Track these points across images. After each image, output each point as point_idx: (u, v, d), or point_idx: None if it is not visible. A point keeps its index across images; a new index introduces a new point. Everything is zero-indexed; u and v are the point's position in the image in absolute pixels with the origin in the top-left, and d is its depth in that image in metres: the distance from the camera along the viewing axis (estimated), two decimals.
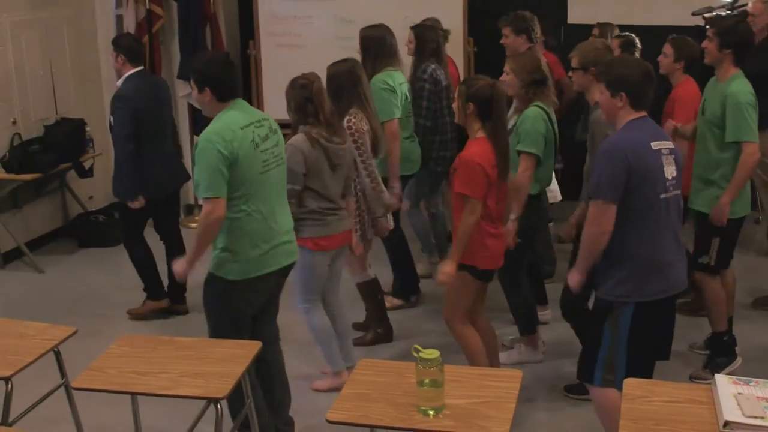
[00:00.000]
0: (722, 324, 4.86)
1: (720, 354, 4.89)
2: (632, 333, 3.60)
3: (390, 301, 5.83)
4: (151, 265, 5.85)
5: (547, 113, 4.75)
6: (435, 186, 6.30)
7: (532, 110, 4.69)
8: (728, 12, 5.74)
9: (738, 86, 4.57)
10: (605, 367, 3.65)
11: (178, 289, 5.94)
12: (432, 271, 6.36)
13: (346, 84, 4.83)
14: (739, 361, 4.86)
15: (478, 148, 4.17)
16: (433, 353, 2.97)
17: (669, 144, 3.62)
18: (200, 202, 3.97)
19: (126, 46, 5.60)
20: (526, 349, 5.15)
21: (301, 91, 4.37)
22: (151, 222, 5.90)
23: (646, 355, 3.69)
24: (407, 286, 6.00)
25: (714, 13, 5.75)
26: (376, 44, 5.55)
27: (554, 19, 7.00)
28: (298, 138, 4.35)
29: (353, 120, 4.78)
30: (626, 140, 3.52)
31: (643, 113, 3.60)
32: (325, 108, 4.41)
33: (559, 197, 5.89)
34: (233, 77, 3.99)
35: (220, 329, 3.98)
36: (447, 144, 6.04)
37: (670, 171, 3.55)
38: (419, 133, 5.89)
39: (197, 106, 7.31)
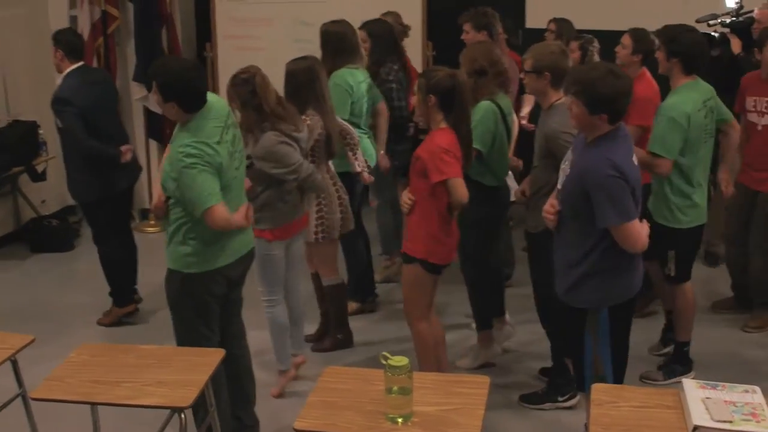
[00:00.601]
0: (687, 334, 4.91)
1: (679, 362, 4.94)
2: (612, 334, 3.66)
3: (348, 304, 5.78)
4: (121, 268, 5.73)
5: (500, 107, 4.72)
6: (395, 176, 6.29)
7: (482, 104, 4.64)
8: (733, 19, 5.75)
9: (675, 99, 4.55)
10: (593, 373, 3.69)
11: (129, 284, 5.89)
12: (391, 275, 6.35)
13: (303, 82, 4.79)
14: (692, 375, 4.88)
15: (443, 137, 4.14)
16: (401, 360, 2.95)
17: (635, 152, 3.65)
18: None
19: (65, 41, 5.48)
20: (481, 348, 5.13)
21: (244, 86, 4.33)
22: None
23: (623, 352, 3.75)
24: (364, 287, 5.95)
25: (719, 20, 5.75)
26: (337, 40, 5.50)
27: (513, 22, 6.99)
28: (272, 137, 4.31)
29: (308, 122, 4.75)
30: (617, 160, 3.47)
31: (620, 124, 3.58)
32: (269, 99, 4.36)
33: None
34: (202, 86, 3.83)
35: (187, 323, 3.95)
36: (400, 138, 6.06)
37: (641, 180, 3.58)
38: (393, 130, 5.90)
39: (153, 109, 7.34)
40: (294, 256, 4.75)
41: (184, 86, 3.73)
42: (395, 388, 2.95)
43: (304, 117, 4.72)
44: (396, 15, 6.49)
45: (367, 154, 5.65)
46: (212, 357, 3.52)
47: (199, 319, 3.95)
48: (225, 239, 3.91)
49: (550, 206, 3.73)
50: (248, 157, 4.37)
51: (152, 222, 7.66)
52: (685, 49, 4.56)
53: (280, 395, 4.82)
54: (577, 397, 4.57)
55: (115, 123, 5.73)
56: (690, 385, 3.03)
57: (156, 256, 6.06)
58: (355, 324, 5.55)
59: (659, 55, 4.65)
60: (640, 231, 3.53)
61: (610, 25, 7.00)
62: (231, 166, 3.84)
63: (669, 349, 5.12)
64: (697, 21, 5.85)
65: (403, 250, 4.38)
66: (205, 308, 3.96)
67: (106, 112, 5.57)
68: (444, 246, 4.29)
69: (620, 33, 6.09)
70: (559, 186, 3.74)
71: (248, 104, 4.31)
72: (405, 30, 6.43)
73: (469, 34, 5.80)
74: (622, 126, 3.59)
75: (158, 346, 3.72)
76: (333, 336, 5.38)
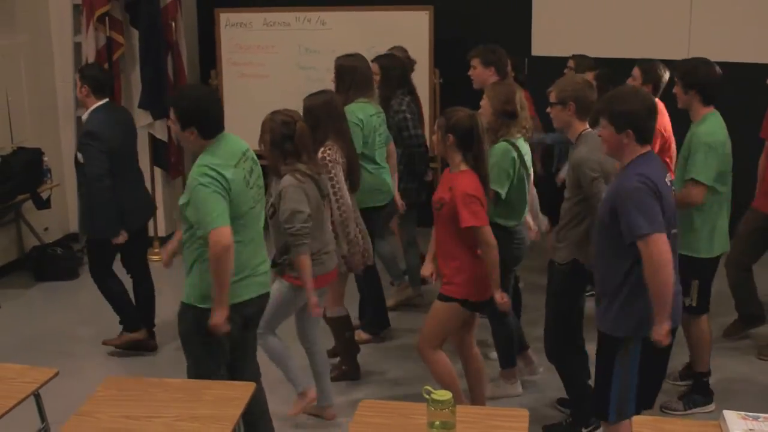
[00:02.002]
0: (704, 365, 4.90)
1: (699, 392, 4.92)
2: (642, 365, 3.64)
3: (358, 335, 5.74)
4: (125, 296, 5.68)
5: (516, 148, 4.72)
6: (410, 216, 6.27)
7: (500, 145, 4.66)
8: None
9: (706, 126, 4.56)
10: (619, 402, 3.66)
11: (147, 322, 5.83)
12: (401, 300, 6.33)
13: (322, 117, 4.78)
14: (713, 407, 4.87)
15: (468, 180, 4.17)
16: (445, 395, 2.92)
17: (671, 176, 3.65)
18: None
19: (91, 77, 5.46)
20: (504, 383, 5.11)
21: (282, 128, 4.30)
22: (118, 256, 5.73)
23: (653, 385, 3.72)
24: (377, 320, 5.92)
25: None
26: (352, 74, 5.49)
27: (518, 51, 7.01)
28: (290, 179, 4.27)
29: (328, 151, 4.73)
30: (650, 173, 3.50)
31: (649, 147, 3.60)
32: (307, 148, 4.36)
33: (535, 229, 5.86)
34: (219, 113, 3.90)
35: (201, 360, 3.93)
36: (412, 176, 6.05)
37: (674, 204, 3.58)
38: (411, 161, 5.91)
39: (159, 136, 7.31)
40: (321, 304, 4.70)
41: (204, 111, 3.79)
42: (437, 422, 2.93)
43: (324, 148, 4.70)
44: (403, 49, 6.51)
45: (382, 189, 5.63)
46: (243, 391, 3.47)
47: (207, 354, 3.93)
48: (244, 275, 3.90)
49: None
50: (271, 206, 4.36)
51: (157, 250, 7.59)
52: (701, 80, 4.58)
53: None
54: (601, 429, 4.54)
55: (135, 161, 5.72)
56: (731, 416, 3.02)
57: (161, 285, 6.08)
58: (365, 352, 5.51)
59: (677, 89, 4.65)
60: (666, 248, 3.47)
61: (617, 53, 7.09)
62: (248, 196, 3.84)
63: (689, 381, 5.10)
64: None
65: (442, 291, 4.35)
66: (216, 345, 3.93)
67: (128, 150, 5.58)
68: (482, 283, 4.29)
69: (627, 60, 6.17)
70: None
71: (278, 146, 4.30)
72: (412, 64, 6.45)
73: (477, 70, 5.79)
74: (652, 152, 3.61)
75: (185, 379, 3.67)
76: (339, 367, 5.33)
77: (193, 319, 3.90)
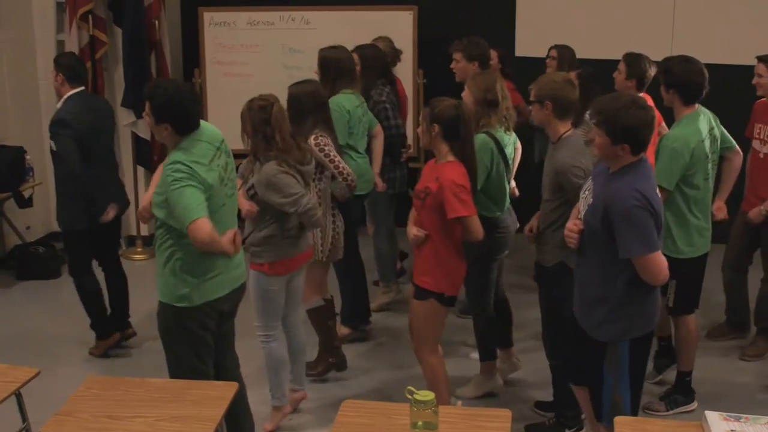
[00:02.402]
0: (689, 364, 4.92)
1: (681, 392, 4.94)
2: (631, 367, 3.65)
3: (339, 329, 5.74)
4: (100, 299, 5.63)
5: (495, 139, 4.70)
6: (390, 207, 6.28)
7: (479, 137, 4.61)
8: None
9: (678, 131, 4.56)
10: (612, 405, 3.68)
11: (121, 314, 5.81)
12: (388, 303, 6.32)
13: (308, 106, 4.79)
14: (695, 405, 4.91)
15: (455, 171, 4.14)
16: (427, 395, 2.92)
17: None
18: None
19: (66, 65, 5.42)
20: (483, 378, 5.11)
21: (259, 113, 4.28)
22: None
23: (640, 383, 3.76)
24: (358, 313, 5.89)
25: None
26: (336, 65, 5.51)
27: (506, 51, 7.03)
28: (274, 166, 4.26)
29: (320, 137, 4.75)
30: (643, 190, 3.47)
31: (643, 155, 3.59)
32: (283, 130, 4.31)
33: (517, 224, 5.87)
34: (196, 109, 3.85)
35: (181, 357, 3.91)
36: (395, 165, 6.04)
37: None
38: (390, 151, 5.91)
39: (142, 135, 7.28)
40: (294, 291, 4.69)
41: (179, 108, 3.74)
42: (420, 423, 2.93)
43: (315, 134, 4.70)
44: (388, 40, 6.53)
45: (366, 177, 5.65)
46: (226, 391, 3.47)
47: (193, 353, 3.91)
48: (217, 272, 3.88)
49: (573, 225, 3.72)
50: (252, 187, 4.34)
51: (139, 249, 7.58)
52: (680, 79, 4.55)
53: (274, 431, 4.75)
54: (586, 428, 4.56)
55: (109, 152, 5.66)
56: (713, 417, 3.04)
57: (143, 285, 6.06)
58: (348, 353, 5.49)
59: (662, 88, 4.66)
60: (663, 262, 3.54)
61: (601, 53, 7.10)
62: (221, 192, 3.82)
63: (663, 376, 5.14)
64: None
65: (417, 283, 4.34)
66: (199, 342, 3.92)
67: (102, 139, 5.50)
68: (457, 277, 4.29)
69: (611, 61, 6.18)
70: (580, 215, 3.73)
71: (259, 131, 4.26)
72: (397, 54, 6.45)
73: (460, 63, 5.81)
74: (645, 158, 3.60)
75: (167, 379, 3.66)
76: (325, 360, 5.30)
77: (173, 317, 3.88)
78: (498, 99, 4.70)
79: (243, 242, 4.29)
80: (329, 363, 5.32)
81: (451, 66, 5.89)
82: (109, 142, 5.65)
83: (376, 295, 6.34)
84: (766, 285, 5.55)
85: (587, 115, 4.61)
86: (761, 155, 5.39)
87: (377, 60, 5.97)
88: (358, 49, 5.98)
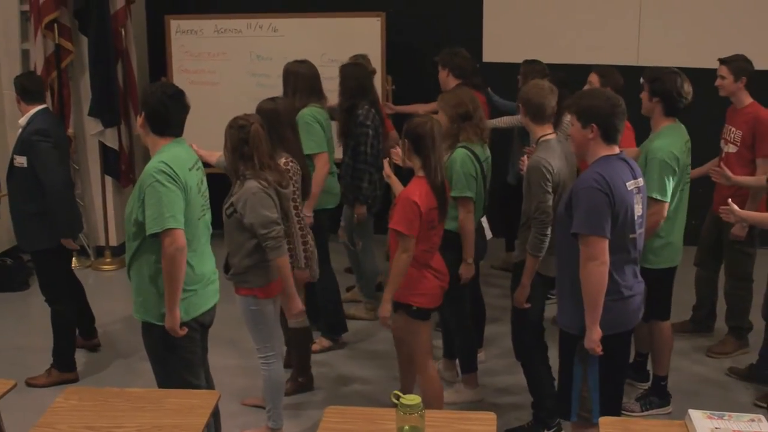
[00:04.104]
0: (664, 369, 4.97)
1: (656, 394, 4.99)
2: (601, 366, 3.66)
3: (319, 342, 5.73)
4: (72, 331, 5.47)
5: (473, 152, 4.75)
6: (368, 222, 6.26)
7: (458, 152, 4.69)
8: None
9: (663, 141, 4.57)
10: (580, 403, 3.70)
11: (87, 323, 5.77)
12: (357, 316, 6.32)
13: (275, 123, 4.74)
14: (670, 409, 4.95)
15: (417, 187, 4.17)
16: (414, 399, 2.92)
17: (639, 182, 3.68)
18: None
19: (18, 85, 5.32)
20: (465, 388, 5.12)
21: (239, 132, 4.27)
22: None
23: (615, 387, 3.77)
24: (336, 325, 5.89)
25: None
26: (303, 79, 5.51)
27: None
28: (254, 185, 4.23)
29: (291, 163, 4.71)
30: (607, 176, 3.54)
31: (616, 149, 3.64)
32: (261, 151, 4.30)
33: (490, 234, 5.91)
34: (176, 114, 3.82)
35: (174, 375, 3.88)
36: (377, 183, 6.03)
37: (638, 209, 3.61)
38: (348, 174, 5.87)
39: (109, 144, 7.22)
40: (277, 311, 4.66)
41: (155, 102, 3.76)
42: (407, 427, 2.92)
43: (286, 160, 4.67)
44: (365, 58, 6.51)
45: (333, 192, 5.64)
46: (207, 399, 3.44)
47: (185, 369, 3.90)
48: (201, 285, 3.88)
49: None
50: (231, 205, 4.31)
51: (108, 260, 7.49)
52: (668, 90, 4.57)
53: None
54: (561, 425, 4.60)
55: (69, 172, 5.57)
56: (697, 415, 3.06)
57: (112, 295, 5.99)
58: (320, 359, 5.50)
59: (643, 95, 4.68)
60: (600, 252, 3.52)
61: (568, 58, 7.18)
62: (198, 204, 3.82)
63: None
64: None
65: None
66: (191, 357, 3.92)
67: (67, 160, 5.45)
68: (424, 288, 4.28)
69: (578, 66, 6.25)
70: None
71: (236, 150, 4.26)
72: (372, 73, 6.47)
73: (440, 73, 5.85)
74: (622, 155, 3.65)
75: (147, 389, 3.62)
76: (294, 380, 5.24)
77: (159, 337, 3.84)
78: (470, 110, 4.75)
79: (226, 268, 4.31)
80: (299, 383, 5.24)
81: (439, 76, 5.92)
82: (68, 162, 5.54)
83: (356, 308, 6.33)
84: (731, 285, 5.63)
85: (564, 120, 4.69)
86: (723, 154, 5.49)
87: (361, 78, 5.86)
88: (344, 67, 5.94)
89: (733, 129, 5.40)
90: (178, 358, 3.87)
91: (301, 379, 5.26)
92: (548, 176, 4.22)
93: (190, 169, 3.78)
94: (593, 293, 3.55)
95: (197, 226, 3.83)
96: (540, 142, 4.36)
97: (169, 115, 3.80)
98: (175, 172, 3.67)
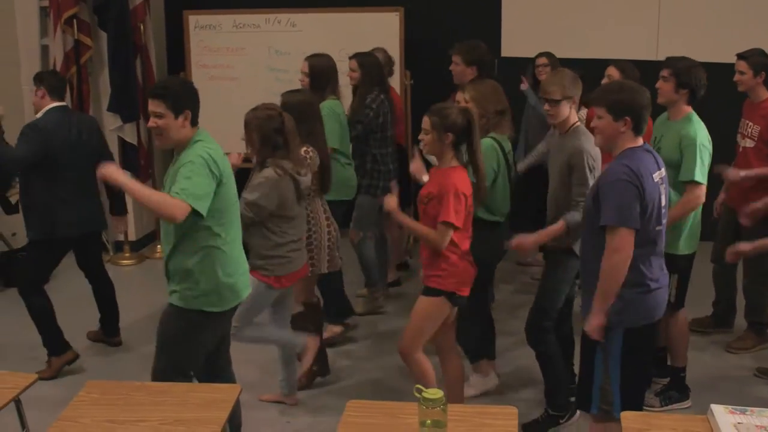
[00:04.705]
0: (682, 359, 4.96)
1: (676, 389, 4.98)
2: (624, 359, 3.65)
3: (330, 330, 5.73)
4: (51, 317, 5.47)
5: (500, 144, 4.76)
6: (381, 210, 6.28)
7: (485, 141, 4.67)
8: None
9: (694, 127, 4.63)
10: (601, 396, 3.69)
11: (112, 321, 5.81)
12: (373, 308, 6.32)
13: (303, 115, 4.77)
14: (689, 403, 4.94)
15: (460, 177, 4.17)
16: (436, 393, 2.92)
17: (662, 172, 3.68)
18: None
19: (48, 80, 5.38)
20: (477, 377, 5.13)
21: (269, 122, 4.28)
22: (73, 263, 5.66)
23: (638, 381, 3.75)
24: (342, 309, 5.89)
25: None
26: (326, 73, 5.54)
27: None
28: (272, 173, 4.24)
29: (311, 153, 4.72)
30: (637, 169, 3.54)
31: (641, 140, 3.65)
32: (295, 141, 4.36)
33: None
34: (199, 102, 3.89)
35: (179, 362, 3.92)
36: (390, 173, 6.04)
37: (664, 200, 3.61)
38: (367, 159, 5.89)
39: (128, 140, 7.24)
40: (289, 298, 4.72)
41: (193, 94, 3.81)
42: (429, 421, 2.92)
43: (306, 149, 4.69)
44: (384, 51, 6.57)
45: (349, 183, 5.66)
46: (229, 393, 3.45)
47: (188, 359, 3.94)
48: (239, 277, 3.92)
49: None
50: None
51: (127, 255, 7.53)
52: (696, 82, 4.63)
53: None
54: (578, 414, 4.59)
55: (83, 172, 5.26)
56: (719, 410, 3.05)
57: (131, 290, 6.01)
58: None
59: (665, 85, 4.67)
60: (630, 247, 3.53)
61: (586, 53, 7.16)
62: (231, 191, 3.85)
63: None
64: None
65: (427, 283, 4.31)
66: (200, 350, 3.95)
67: (74, 157, 5.29)
68: (465, 278, 4.30)
69: (596, 61, 6.22)
70: None
71: (269, 140, 4.28)
72: (392, 64, 6.48)
73: (459, 67, 5.80)
74: (647, 146, 3.67)
75: (169, 383, 3.64)
76: (308, 369, 5.20)
77: (185, 322, 3.87)
78: (507, 106, 4.79)
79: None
80: (312, 371, 5.20)
81: (450, 68, 5.87)
82: (84, 161, 5.29)
83: (361, 300, 6.35)
84: (751, 281, 5.61)
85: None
86: (740, 148, 5.46)
87: (375, 68, 5.98)
88: (358, 56, 6.00)
89: (751, 124, 5.38)
90: (189, 348, 3.90)
91: (315, 367, 5.21)
92: (592, 162, 4.28)
93: (223, 155, 3.82)
94: (610, 284, 3.56)
95: (230, 212, 3.85)
96: (575, 129, 4.40)
97: (199, 105, 3.85)
98: (215, 160, 3.70)
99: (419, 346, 4.41)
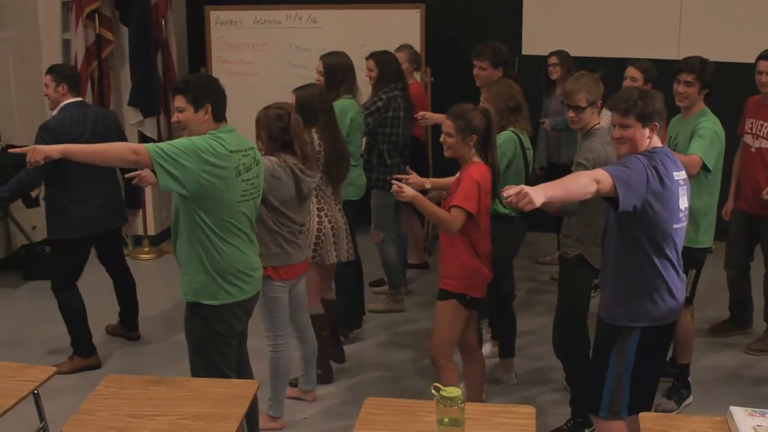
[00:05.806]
0: (688, 356, 4.95)
1: (684, 386, 4.96)
2: (638, 358, 3.63)
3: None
4: (83, 317, 5.49)
5: (520, 138, 4.78)
6: (398, 210, 6.28)
7: (505, 133, 4.73)
8: None
9: (712, 119, 4.70)
10: (612, 398, 3.68)
11: (131, 315, 5.85)
12: (393, 307, 6.32)
13: (315, 110, 4.79)
14: (692, 398, 4.95)
15: (479, 169, 4.21)
16: (454, 391, 2.91)
17: (684, 174, 3.65)
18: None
19: (68, 75, 5.39)
20: (501, 373, 5.19)
21: (277, 122, 4.31)
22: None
23: (649, 381, 3.73)
24: (351, 318, 5.86)
25: None
26: (342, 71, 5.51)
27: (509, 50, 7.01)
28: (269, 163, 4.26)
29: (318, 147, 4.77)
30: (658, 160, 3.52)
31: (659, 142, 3.64)
32: (302, 140, 4.36)
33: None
34: (225, 99, 3.91)
35: (212, 362, 3.93)
36: (395, 167, 5.97)
37: (683, 202, 3.58)
38: (374, 154, 5.91)
39: (149, 134, 7.26)
40: (300, 295, 4.71)
41: (215, 89, 3.84)
42: (446, 419, 2.91)
43: (320, 142, 4.73)
44: (411, 47, 6.60)
45: (357, 184, 5.64)
46: (246, 389, 3.46)
47: (219, 356, 3.94)
48: (248, 276, 3.94)
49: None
50: None
51: (146, 249, 7.56)
52: (713, 81, 4.74)
53: None
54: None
55: (96, 169, 4.97)
56: (738, 412, 3.03)
57: (150, 284, 6.01)
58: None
59: (691, 90, 4.71)
60: (608, 187, 3.38)
61: (607, 52, 7.12)
62: (236, 186, 3.83)
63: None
64: None
65: (439, 285, 4.33)
66: (225, 344, 3.96)
67: None
68: (478, 279, 4.29)
69: (617, 60, 6.18)
70: None
71: (277, 139, 4.31)
72: (419, 61, 6.44)
73: (486, 71, 5.73)
74: (664, 147, 3.68)
75: (187, 378, 3.65)
76: (324, 359, 5.21)
77: (200, 316, 3.90)
78: (521, 103, 4.81)
79: None
80: (317, 375, 5.14)
81: (474, 72, 5.81)
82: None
83: (381, 298, 6.35)
84: None
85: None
86: (753, 149, 5.39)
87: (391, 66, 5.94)
88: (374, 55, 5.96)
89: (766, 124, 5.33)
90: (214, 342, 3.92)
91: (320, 372, 5.17)
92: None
93: (232, 152, 3.80)
94: (564, 189, 3.37)
95: (237, 209, 3.85)
96: (595, 130, 4.38)
97: (224, 101, 3.87)
98: (214, 149, 3.71)
99: (448, 351, 4.40)
